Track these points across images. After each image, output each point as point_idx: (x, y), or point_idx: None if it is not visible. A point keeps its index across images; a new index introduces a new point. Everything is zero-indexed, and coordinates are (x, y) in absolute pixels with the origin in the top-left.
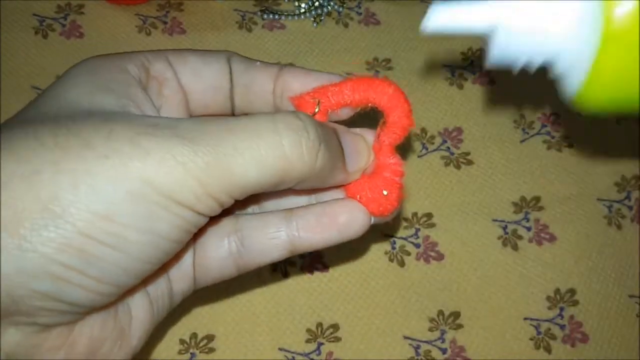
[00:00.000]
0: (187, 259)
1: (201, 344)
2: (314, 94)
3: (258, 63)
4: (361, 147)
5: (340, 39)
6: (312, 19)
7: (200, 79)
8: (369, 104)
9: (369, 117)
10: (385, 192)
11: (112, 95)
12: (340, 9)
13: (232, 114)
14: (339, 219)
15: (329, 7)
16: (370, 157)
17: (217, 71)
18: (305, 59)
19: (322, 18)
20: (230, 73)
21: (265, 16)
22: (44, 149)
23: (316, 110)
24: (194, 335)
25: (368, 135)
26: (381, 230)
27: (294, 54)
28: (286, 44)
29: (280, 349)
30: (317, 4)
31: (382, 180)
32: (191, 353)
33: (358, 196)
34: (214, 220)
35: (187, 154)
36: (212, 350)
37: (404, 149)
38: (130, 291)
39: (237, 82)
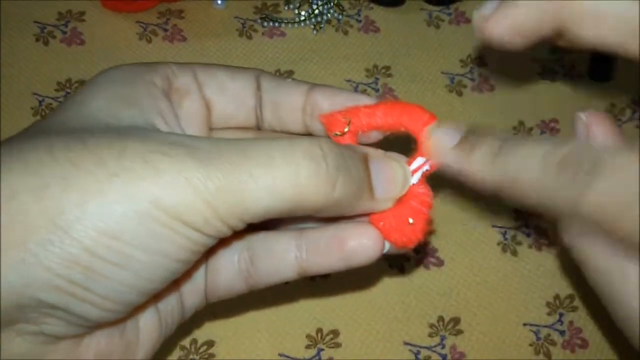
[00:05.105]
0: (200, 274)
1: (201, 350)
2: (345, 113)
3: (289, 80)
4: (395, 174)
5: (340, 46)
6: (312, 26)
7: (224, 93)
8: (402, 129)
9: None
10: (411, 220)
11: (135, 108)
12: (340, 17)
13: (257, 129)
14: (347, 244)
15: (329, 14)
16: (406, 186)
17: (243, 87)
18: (305, 66)
19: (322, 25)
20: (260, 90)
21: (265, 23)
22: (55, 162)
23: (345, 129)
24: (193, 341)
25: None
26: None
27: (294, 61)
28: (286, 51)
29: (280, 355)
30: (317, 11)
31: (408, 209)
32: (191, 359)
33: (381, 223)
34: (225, 240)
35: (200, 177)
36: (212, 356)
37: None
38: (140, 307)
39: (267, 99)
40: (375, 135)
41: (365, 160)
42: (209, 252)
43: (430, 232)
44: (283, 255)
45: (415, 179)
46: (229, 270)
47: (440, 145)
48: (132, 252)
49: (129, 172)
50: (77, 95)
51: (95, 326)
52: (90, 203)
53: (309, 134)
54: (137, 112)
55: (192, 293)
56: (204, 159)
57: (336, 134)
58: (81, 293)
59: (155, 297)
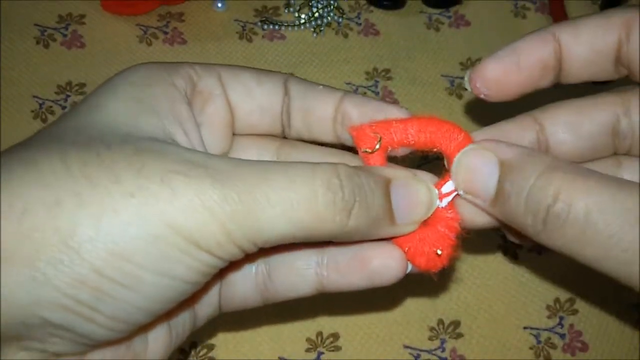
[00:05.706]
0: (214, 287)
1: (201, 354)
2: (376, 128)
3: (321, 87)
4: (418, 199)
5: (340, 49)
6: (312, 29)
7: (250, 98)
8: (434, 148)
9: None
10: (439, 252)
11: (154, 116)
12: (340, 20)
13: (283, 136)
14: (370, 264)
15: (329, 17)
16: (430, 210)
17: (270, 92)
18: (305, 69)
19: (322, 29)
20: (288, 96)
21: (265, 26)
22: (69, 176)
23: (376, 147)
24: (193, 345)
25: (431, 182)
26: None
27: (294, 64)
28: (286, 54)
29: (280, 358)
30: (317, 14)
31: (434, 234)
32: None
33: (406, 247)
34: (237, 263)
35: (216, 199)
36: (212, 359)
37: (403, 159)
38: (149, 326)
39: (296, 105)
40: (404, 150)
41: (386, 186)
42: (220, 274)
43: (455, 258)
44: (302, 271)
45: (444, 202)
46: (246, 283)
47: (473, 180)
48: (141, 274)
49: (145, 192)
50: (93, 98)
51: (100, 345)
52: (103, 223)
53: (340, 144)
54: (155, 120)
55: (206, 304)
56: (221, 180)
57: (366, 151)
58: (88, 313)
59: (167, 315)
